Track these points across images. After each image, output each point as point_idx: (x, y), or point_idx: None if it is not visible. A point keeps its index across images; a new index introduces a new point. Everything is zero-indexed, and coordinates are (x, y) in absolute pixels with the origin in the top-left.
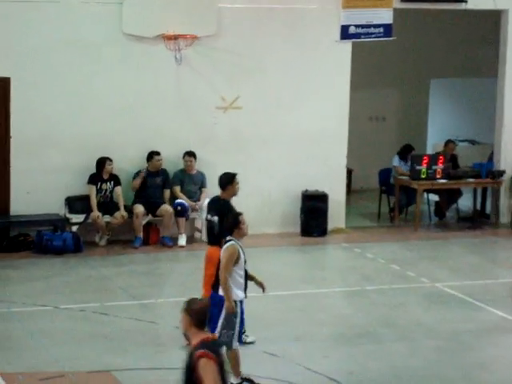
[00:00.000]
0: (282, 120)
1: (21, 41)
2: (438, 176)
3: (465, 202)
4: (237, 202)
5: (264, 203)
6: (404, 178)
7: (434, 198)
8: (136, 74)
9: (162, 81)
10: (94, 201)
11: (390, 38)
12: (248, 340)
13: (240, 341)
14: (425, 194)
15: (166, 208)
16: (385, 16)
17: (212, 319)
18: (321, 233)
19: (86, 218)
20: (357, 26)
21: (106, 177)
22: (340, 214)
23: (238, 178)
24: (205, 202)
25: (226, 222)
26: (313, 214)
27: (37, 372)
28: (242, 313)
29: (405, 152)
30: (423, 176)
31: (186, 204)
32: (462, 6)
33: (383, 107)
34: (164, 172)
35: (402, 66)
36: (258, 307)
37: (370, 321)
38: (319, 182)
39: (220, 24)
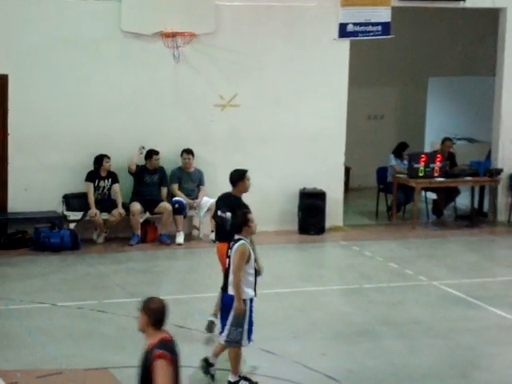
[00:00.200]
0: (279, 118)
1: (19, 38)
2: (435, 174)
3: (462, 201)
4: None
5: (262, 201)
6: (402, 176)
7: (432, 196)
8: (134, 72)
9: (160, 78)
10: (91, 198)
11: (388, 37)
12: None
13: (249, 339)
14: (423, 192)
15: (165, 205)
16: (383, 14)
17: (222, 319)
18: (318, 231)
19: (84, 216)
20: (355, 24)
21: (103, 174)
22: (338, 211)
23: (249, 174)
24: (203, 199)
25: (234, 220)
26: (311, 211)
27: (34, 369)
28: (251, 311)
29: (399, 150)
30: (421, 174)
31: (184, 202)
32: (460, 4)
33: (381, 105)
34: (161, 170)
35: (400, 64)
36: (256, 305)
37: (368, 319)
38: (317, 179)
39: (218, 22)
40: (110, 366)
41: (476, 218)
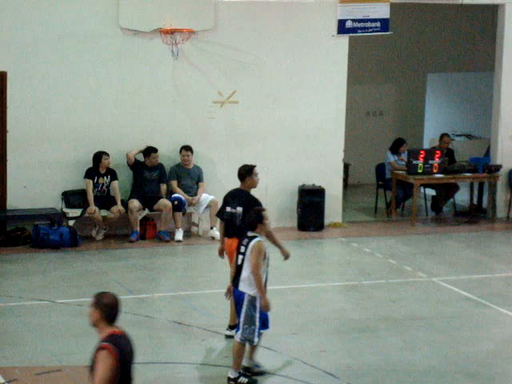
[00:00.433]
0: (278, 114)
1: (18, 35)
2: (434, 170)
3: (461, 197)
4: None
5: (261, 198)
6: (401, 172)
7: (431, 192)
8: (133, 69)
9: (158, 75)
10: (90, 195)
11: (387, 33)
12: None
13: (258, 336)
14: (421, 189)
15: (165, 202)
16: (382, 10)
17: (238, 313)
18: (318, 227)
19: (83, 213)
20: (354, 21)
21: (102, 171)
22: (337, 208)
23: (257, 169)
24: (202, 196)
25: (248, 218)
26: (310, 208)
27: (34, 366)
28: (261, 308)
29: (396, 146)
30: (420, 171)
31: (183, 198)
32: (459, 0)
33: (380, 102)
34: (160, 166)
35: (399, 60)
36: None
37: (368, 315)
38: (316, 176)
39: (217, 18)
40: None
41: (475, 215)
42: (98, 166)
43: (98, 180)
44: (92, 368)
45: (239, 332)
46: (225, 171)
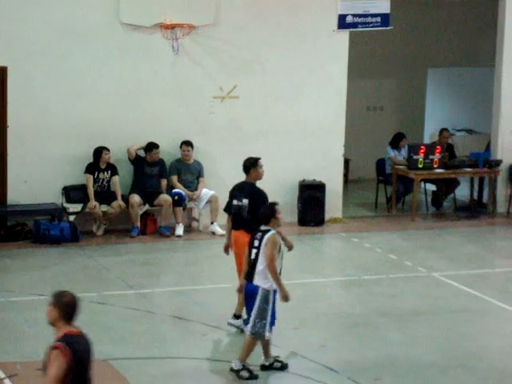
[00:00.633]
0: (279, 109)
1: (18, 30)
2: (435, 166)
3: (462, 192)
4: None
5: None
6: (401, 167)
7: (431, 187)
8: (133, 64)
9: (159, 70)
10: (91, 190)
11: (388, 28)
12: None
13: (270, 330)
14: (422, 184)
15: (165, 198)
16: (382, 5)
17: (249, 307)
18: (318, 222)
19: (84, 208)
20: (354, 16)
21: (103, 166)
22: (337, 203)
23: (262, 161)
24: (202, 191)
25: (261, 212)
26: (310, 203)
27: (34, 361)
28: (273, 302)
29: (396, 140)
30: (420, 166)
31: (184, 194)
32: None
33: (381, 97)
34: (161, 162)
35: (399, 55)
36: None
37: (368, 310)
38: (316, 171)
39: (218, 13)
40: (110, 358)
41: (475, 210)
42: (98, 161)
43: (98, 175)
44: (44, 367)
45: (249, 326)
46: (225, 166)
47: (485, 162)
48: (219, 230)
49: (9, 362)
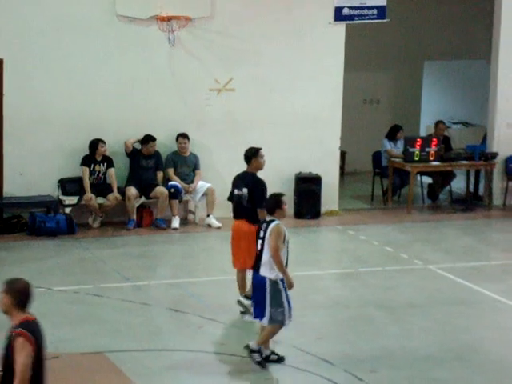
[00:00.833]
0: (275, 102)
1: (14, 22)
2: (431, 158)
3: (458, 184)
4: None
5: None
6: (397, 160)
7: (428, 180)
8: (129, 56)
9: (155, 62)
10: (87, 182)
11: (384, 20)
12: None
13: (290, 317)
14: (418, 177)
15: (162, 190)
16: None
17: (257, 300)
18: (314, 215)
19: (80, 200)
20: (350, 8)
21: (99, 159)
22: (333, 196)
23: (263, 152)
24: (198, 184)
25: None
26: (306, 196)
27: None
28: (285, 289)
29: (393, 132)
30: (416, 158)
31: (180, 186)
32: None
33: (377, 90)
34: (157, 154)
35: (395, 48)
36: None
37: (364, 303)
38: (313, 164)
39: (214, 6)
40: (106, 350)
41: (471, 202)
42: (94, 154)
43: (94, 167)
44: (8, 356)
45: (266, 317)
46: (221, 159)
47: (481, 154)
48: (215, 223)
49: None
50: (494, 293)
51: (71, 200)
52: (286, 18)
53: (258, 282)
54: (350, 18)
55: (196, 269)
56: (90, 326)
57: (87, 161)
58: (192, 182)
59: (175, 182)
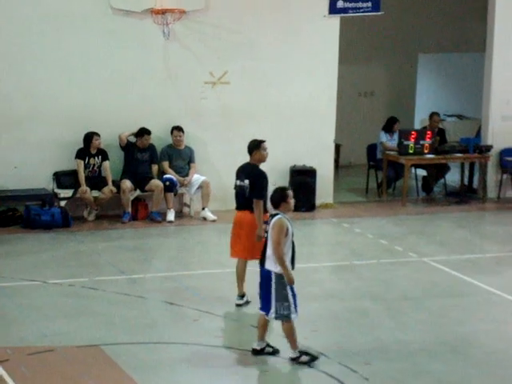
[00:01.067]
0: (270, 95)
1: (7, 14)
2: (425, 151)
3: (452, 177)
4: (225, 176)
5: None
6: (392, 153)
7: (422, 172)
8: (124, 49)
9: (149, 55)
10: (81, 175)
11: (379, 13)
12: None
13: (296, 311)
14: (412, 169)
15: (157, 183)
16: None
17: (264, 293)
18: (309, 208)
19: (75, 193)
20: (345, 1)
21: (93, 152)
22: (328, 189)
23: (266, 144)
24: (193, 177)
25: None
26: (301, 189)
27: (26, 346)
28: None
29: (390, 124)
30: (411, 151)
31: (175, 179)
32: None
33: (371, 82)
34: (152, 147)
35: (390, 40)
36: (246, 282)
37: (359, 295)
38: (307, 157)
39: None
40: (101, 343)
41: (466, 195)
42: (88, 147)
43: (88, 160)
44: None
45: (272, 311)
46: (216, 152)
47: (475, 147)
48: (210, 216)
49: (0, 347)
50: (488, 285)
51: (66, 193)
52: (281, 11)
53: (265, 275)
54: (345, 10)
55: (191, 262)
56: (85, 319)
57: (82, 154)
58: (187, 175)
59: (170, 175)
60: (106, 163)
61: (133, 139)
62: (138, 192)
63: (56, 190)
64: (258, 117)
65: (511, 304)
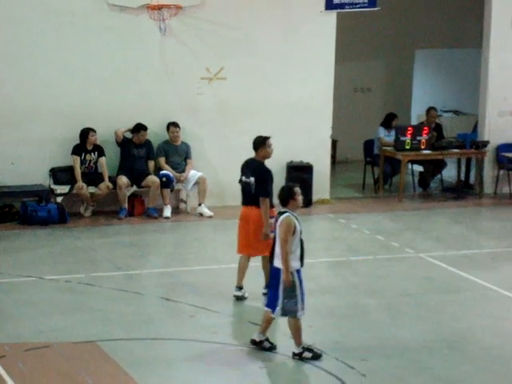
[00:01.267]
0: (266, 91)
1: (4, 11)
2: (422, 147)
3: (449, 173)
4: (222, 172)
5: None
6: (388, 148)
7: (419, 168)
8: (120, 45)
9: (146, 51)
10: (78, 171)
11: (375, 9)
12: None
13: (303, 309)
14: (409, 165)
15: (153, 179)
16: None
17: (272, 289)
18: (305, 204)
19: (71, 189)
20: None
21: (89, 148)
22: (325, 184)
23: (271, 141)
24: (190, 173)
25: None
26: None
27: (22, 343)
28: (301, 281)
29: (388, 120)
30: (407, 147)
31: (171, 175)
32: None
33: (368, 78)
34: (148, 143)
35: (386, 36)
36: (248, 278)
37: (355, 291)
38: (304, 152)
39: None
40: (98, 339)
41: (462, 191)
42: (85, 143)
43: (85, 156)
44: None
45: (278, 308)
46: (213, 148)
47: (472, 143)
48: (207, 212)
49: None
50: (485, 281)
51: (63, 189)
52: (277, 6)
53: (274, 272)
54: (341, 6)
55: (188, 258)
56: (81, 315)
57: (78, 150)
58: (183, 171)
59: (167, 171)
60: (103, 159)
61: (129, 135)
62: (134, 188)
63: (52, 186)
64: (254, 113)
65: (508, 299)
